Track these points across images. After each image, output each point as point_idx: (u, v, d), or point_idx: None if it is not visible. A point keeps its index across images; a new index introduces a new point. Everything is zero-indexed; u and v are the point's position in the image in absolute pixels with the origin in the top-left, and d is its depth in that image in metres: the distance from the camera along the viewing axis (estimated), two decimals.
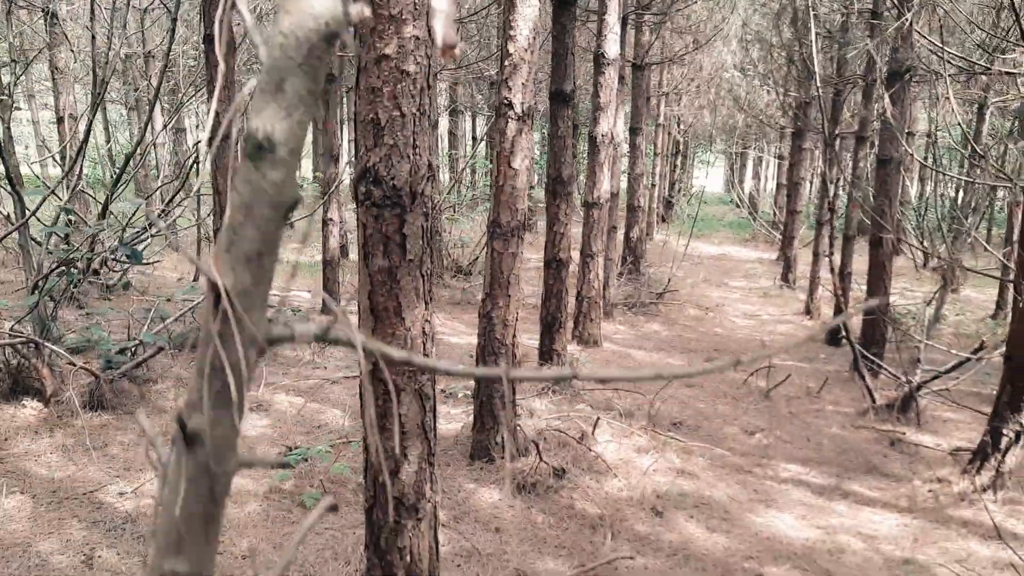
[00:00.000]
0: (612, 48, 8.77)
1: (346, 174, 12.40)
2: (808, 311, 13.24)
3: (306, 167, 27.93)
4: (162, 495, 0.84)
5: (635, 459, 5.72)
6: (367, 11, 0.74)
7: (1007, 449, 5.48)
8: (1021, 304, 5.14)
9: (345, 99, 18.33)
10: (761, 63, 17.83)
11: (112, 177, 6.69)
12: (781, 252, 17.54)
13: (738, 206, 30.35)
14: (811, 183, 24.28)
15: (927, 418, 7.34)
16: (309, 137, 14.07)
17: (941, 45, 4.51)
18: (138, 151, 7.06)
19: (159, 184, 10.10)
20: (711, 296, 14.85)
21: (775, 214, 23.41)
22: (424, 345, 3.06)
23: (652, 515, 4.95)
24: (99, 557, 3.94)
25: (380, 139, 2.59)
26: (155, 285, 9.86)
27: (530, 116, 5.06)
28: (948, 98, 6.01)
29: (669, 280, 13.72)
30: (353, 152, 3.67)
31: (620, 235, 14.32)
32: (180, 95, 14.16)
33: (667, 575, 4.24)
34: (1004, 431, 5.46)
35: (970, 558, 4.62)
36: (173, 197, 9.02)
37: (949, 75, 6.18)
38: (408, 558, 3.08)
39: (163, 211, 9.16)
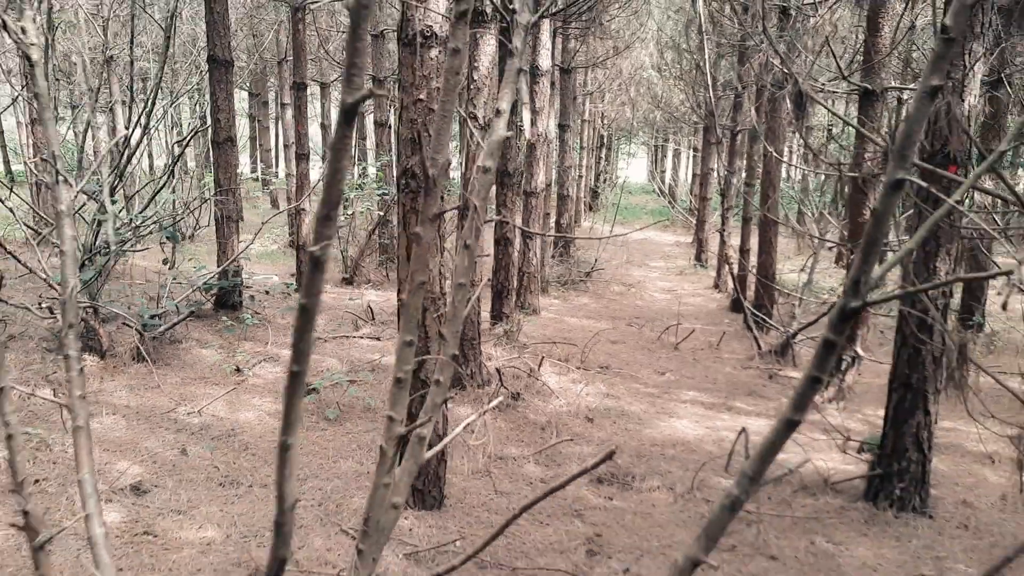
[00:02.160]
0: (545, 61, 10.44)
1: (316, 170, 13.75)
2: (717, 286, 15.22)
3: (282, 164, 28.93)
4: None
5: (572, 387, 7.44)
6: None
7: (846, 371, 7.38)
8: (849, 260, 6.99)
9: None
10: (674, 65, 19.79)
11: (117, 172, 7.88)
12: (695, 235, 19.55)
13: (660, 194, 32.57)
14: (719, 173, 26.49)
15: (800, 360, 9.26)
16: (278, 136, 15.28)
17: (787, 70, 6.26)
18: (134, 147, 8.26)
19: (167, 177, 11.24)
20: (633, 275, 16.68)
21: (691, 202, 25.54)
22: (441, 282, 4.64)
23: (585, 421, 6.67)
24: (190, 450, 5.43)
25: (417, 150, 4.17)
26: (138, 269, 11.10)
27: (490, 125, 6.67)
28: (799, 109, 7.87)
29: (596, 260, 15.52)
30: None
31: (552, 221, 16.08)
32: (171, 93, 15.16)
33: (596, 453, 5.95)
34: (843, 357, 7.35)
35: (816, 442, 6.46)
36: (159, 190, 10.29)
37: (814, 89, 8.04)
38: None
39: (150, 201, 10.38)
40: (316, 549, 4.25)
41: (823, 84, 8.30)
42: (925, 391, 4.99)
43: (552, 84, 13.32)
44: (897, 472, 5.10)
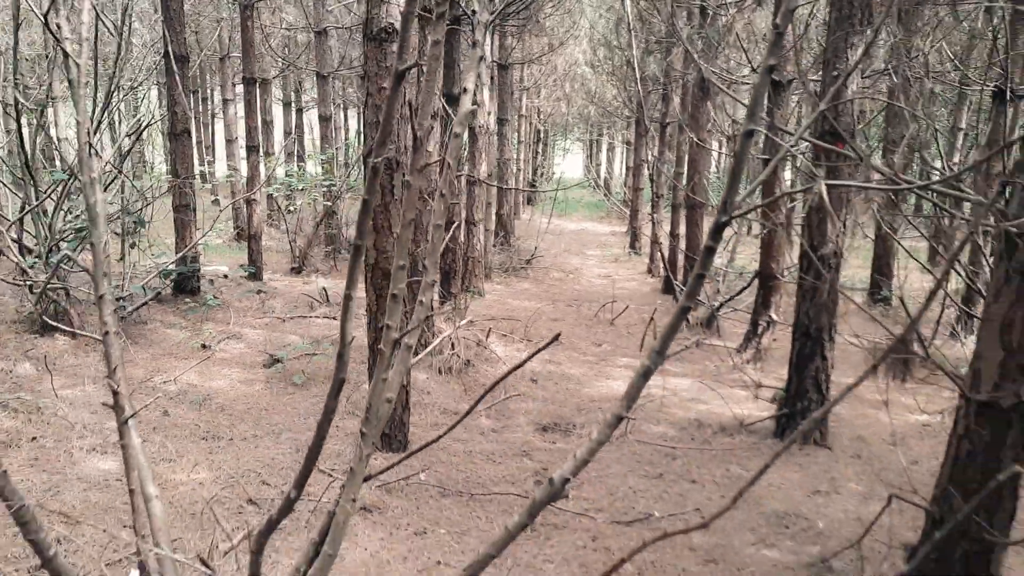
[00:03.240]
0: (485, 56, 11.07)
1: (280, 166, 14.10)
2: (650, 271, 16.09)
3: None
4: None
5: (517, 355, 8.11)
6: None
7: (761, 334, 8.21)
8: (762, 237, 7.83)
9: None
10: (607, 62, 20.66)
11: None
12: (629, 225, 20.43)
13: (596, 188, 33.56)
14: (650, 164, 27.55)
15: (725, 330, 10.11)
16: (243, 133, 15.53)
17: (697, 62, 7.02)
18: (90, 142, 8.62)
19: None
20: (571, 263, 17.45)
21: (625, 194, 26.48)
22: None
23: (530, 383, 7.35)
24: (171, 411, 5.93)
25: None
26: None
27: (437, 116, 7.29)
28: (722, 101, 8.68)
29: (536, 248, 16.24)
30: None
31: (493, 211, 16.73)
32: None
33: (540, 408, 6.64)
34: (759, 322, 8.19)
35: (736, 395, 7.24)
36: (112, 181, 10.61)
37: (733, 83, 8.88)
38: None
39: (105, 187, 10.68)
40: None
41: (735, 76, 9.12)
42: (822, 340, 5.80)
43: (491, 79, 13.98)
44: (800, 411, 5.91)
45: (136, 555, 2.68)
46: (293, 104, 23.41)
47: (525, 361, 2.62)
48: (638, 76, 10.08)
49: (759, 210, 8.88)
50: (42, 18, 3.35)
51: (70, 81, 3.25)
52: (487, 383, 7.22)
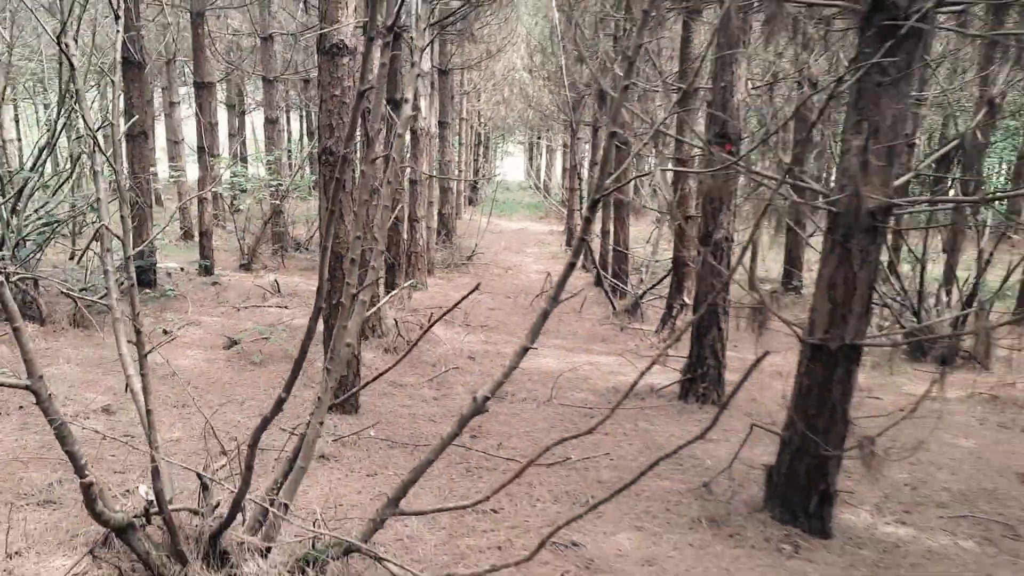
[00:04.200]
0: (425, 64, 11.85)
1: (222, 168, 14.59)
2: (584, 265, 17.02)
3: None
4: None
5: (457, 337, 8.91)
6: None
7: (676, 316, 9.16)
8: (668, 226, 8.78)
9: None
10: (543, 68, 21.57)
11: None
12: (566, 224, 21.38)
13: (536, 189, 34.56)
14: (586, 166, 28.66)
15: (649, 316, 11.06)
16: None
17: (602, 74, 7.90)
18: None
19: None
20: (511, 259, 18.29)
21: (562, 194, 27.47)
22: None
23: (468, 359, 8.16)
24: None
25: (333, 133, 5.51)
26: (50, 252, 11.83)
27: (383, 119, 8.04)
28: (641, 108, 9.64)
29: (476, 246, 17.04)
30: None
31: (435, 211, 17.49)
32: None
33: (477, 380, 7.45)
34: (674, 305, 9.13)
35: (653, 369, 8.14)
36: (65, 181, 11.09)
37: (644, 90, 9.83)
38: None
39: (56, 190, 11.14)
40: (263, 441, 5.52)
41: (646, 86, 10.04)
42: (717, 313, 6.74)
43: (431, 84, 14.76)
44: (700, 375, 6.83)
45: (152, 463, 3.38)
46: (236, 107, 23.79)
47: (454, 307, 3.43)
48: (566, 83, 10.97)
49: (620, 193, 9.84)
50: (53, 37, 4.01)
51: (76, 91, 3.98)
52: (430, 359, 8.02)
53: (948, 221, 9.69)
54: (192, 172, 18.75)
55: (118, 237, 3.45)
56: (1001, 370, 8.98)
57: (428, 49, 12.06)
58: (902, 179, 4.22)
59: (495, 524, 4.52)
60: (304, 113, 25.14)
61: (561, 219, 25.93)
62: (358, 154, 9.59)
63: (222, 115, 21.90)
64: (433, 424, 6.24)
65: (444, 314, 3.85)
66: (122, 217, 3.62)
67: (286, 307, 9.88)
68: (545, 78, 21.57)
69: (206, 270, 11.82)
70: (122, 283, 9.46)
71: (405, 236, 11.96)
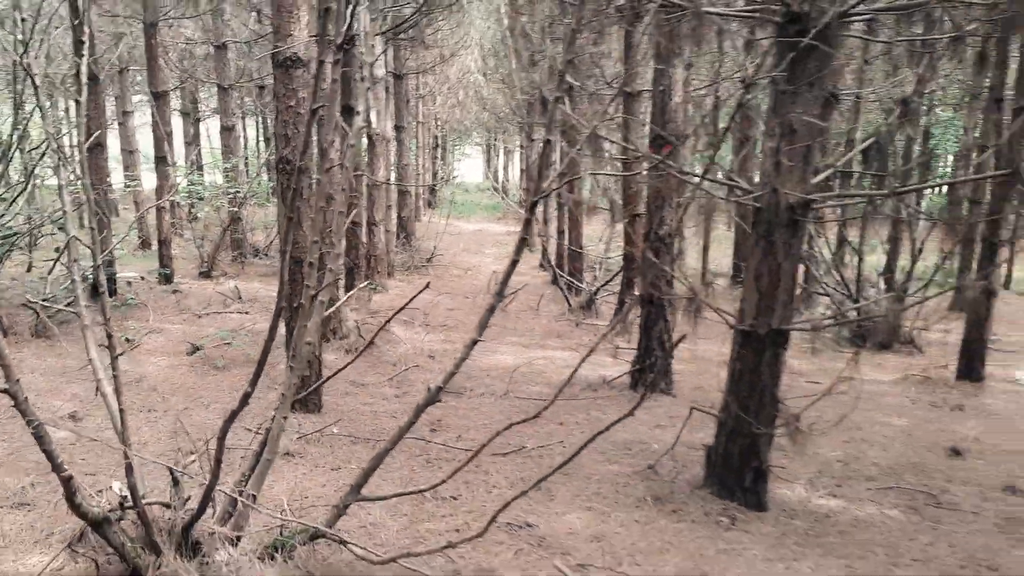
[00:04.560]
0: (379, 71, 12.06)
1: (180, 176, 14.63)
2: (542, 265, 17.35)
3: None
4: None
5: (416, 337, 9.16)
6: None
7: (627, 312, 9.50)
8: (622, 224, 9.12)
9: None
10: (497, 70, 21.87)
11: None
12: (524, 224, 21.63)
13: (494, 191, 34.87)
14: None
15: (603, 312, 11.40)
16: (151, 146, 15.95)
17: (544, 79, 8.25)
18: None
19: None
20: (469, 260, 18.56)
21: (520, 195, 27.80)
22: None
23: (428, 358, 8.41)
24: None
25: (288, 143, 5.73)
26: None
27: (337, 126, 8.25)
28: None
29: (435, 248, 17.27)
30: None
31: (394, 214, 17.68)
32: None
33: (436, 377, 7.69)
34: (626, 300, 9.47)
35: (602, 361, 8.47)
36: (20, 194, 11.12)
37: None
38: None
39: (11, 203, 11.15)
40: (229, 440, 5.72)
41: (593, 89, 10.36)
42: (663, 306, 7.08)
43: (387, 89, 14.95)
44: (648, 366, 7.17)
45: (126, 460, 3.59)
46: (192, 115, 23.71)
47: (405, 305, 3.70)
48: (518, 86, 11.27)
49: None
50: (18, 57, 4.19)
51: (40, 107, 4.18)
52: (390, 359, 8.26)
53: (886, 213, 10.17)
54: (148, 181, 18.69)
55: (89, 247, 3.65)
56: (934, 353, 9.48)
57: (383, 54, 12.27)
58: (820, 176, 4.58)
59: (453, 510, 4.79)
60: (260, 119, 25.12)
61: (519, 220, 26.23)
62: (314, 161, 9.85)
63: (177, 123, 21.85)
64: (394, 420, 6.49)
65: (396, 312, 4.11)
66: (91, 229, 3.82)
67: (247, 312, 10.04)
68: (499, 81, 21.88)
69: (166, 278, 11.90)
70: (86, 292, 9.57)
71: (364, 240, 12.16)
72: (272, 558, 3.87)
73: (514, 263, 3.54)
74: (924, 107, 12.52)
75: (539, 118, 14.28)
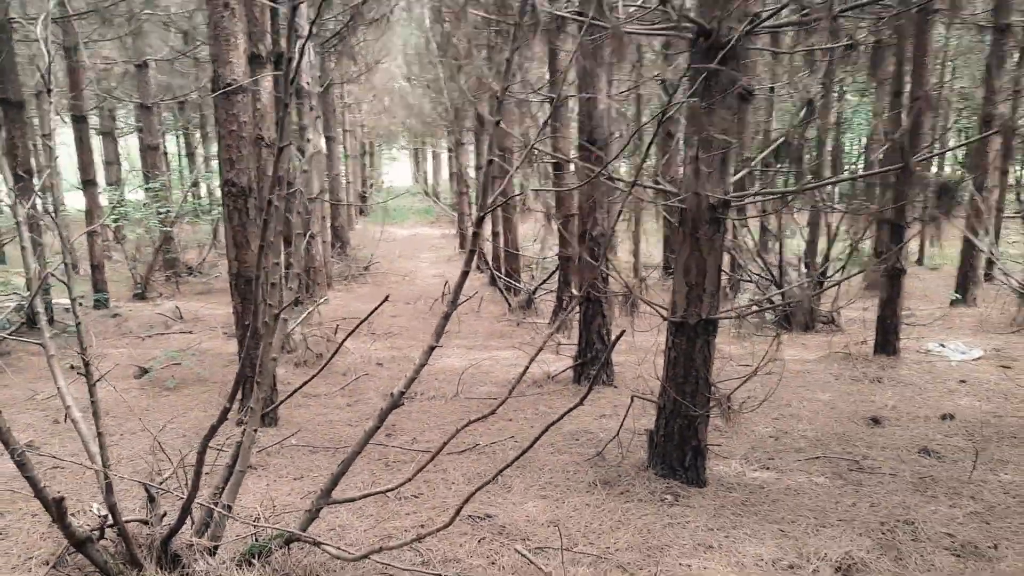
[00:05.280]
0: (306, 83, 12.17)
1: (108, 197, 14.45)
2: (479, 267, 17.65)
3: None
4: None
5: (364, 346, 9.36)
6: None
7: (566, 308, 9.88)
8: (558, 227, 9.49)
9: None
10: (422, 76, 22.07)
11: None
12: (457, 227, 21.96)
13: (425, 195, 34.99)
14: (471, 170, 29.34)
15: (542, 311, 11.76)
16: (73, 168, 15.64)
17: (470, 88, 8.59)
18: None
19: None
20: (406, 266, 18.75)
21: (452, 198, 28.05)
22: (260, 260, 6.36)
23: (377, 366, 8.64)
24: (59, 421, 6.76)
25: (233, 166, 5.90)
26: None
27: (274, 143, 8.40)
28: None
29: (372, 256, 17.42)
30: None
31: (328, 224, 17.75)
32: None
33: (386, 384, 7.94)
34: (564, 298, 9.85)
35: (545, 358, 8.82)
36: None
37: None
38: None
39: None
40: (188, 459, 5.88)
41: (520, 95, 10.71)
42: (601, 302, 7.46)
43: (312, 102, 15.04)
44: (590, 359, 7.54)
45: (106, 480, 3.76)
46: (113, 134, 23.26)
47: (364, 320, 3.96)
48: (446, 94, 11.55)
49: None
50: None
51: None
52: (340, 368, 8.45)
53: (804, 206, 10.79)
54: (72, 203, 18.31)
55: (65, 283, 3.81)
56: (854, 330, 10.12)
57: (310, 69, 12.38)
58: (736, 176, 4.99)
59: (416, 507, 5.06)
60: (182, 135, 24.79)
61: (452, 222, 26.50)
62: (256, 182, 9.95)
63: (96, 143, 21.42)
64: (350, 428, 6.71)
65: (357, 326, 4.36)
66: (65, 265, 3.96)
67: (191, 332, 10.08)
68: (425, 86, 22.11)
69: (103, 303, 11.81)
70: (22, 323, 9.49)
71: (303, 253, 12.27)
72: (250, 564, 4.08)
73: (465, 274, 3.83)
74: (835, 95, 13.20)
75: (470, 126, 14.60)
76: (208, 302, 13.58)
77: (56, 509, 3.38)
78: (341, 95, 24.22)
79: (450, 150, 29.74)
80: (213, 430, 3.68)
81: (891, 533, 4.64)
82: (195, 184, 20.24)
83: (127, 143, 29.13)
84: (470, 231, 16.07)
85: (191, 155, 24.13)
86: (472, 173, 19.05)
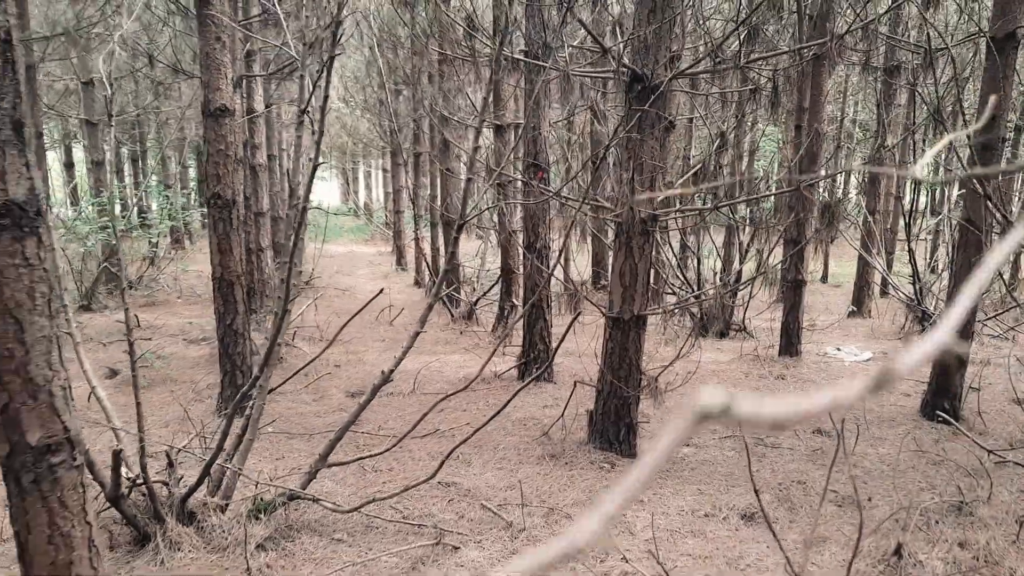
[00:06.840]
0: (259, 106, 12.81)
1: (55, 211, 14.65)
2: (418, 283, 18.40)
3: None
4: None
5: (318, 350, 10.02)
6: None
7: (507, 316, 10.76)
8: (500, 242, 10.38)
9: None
10: (359, 96, 22.80)
11: None
12: (394, 245, 22.65)
13: (356, 214, 35.51)
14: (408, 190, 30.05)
15: (483, 320, 12.61)
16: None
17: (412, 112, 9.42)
18: None
19: None
20: (346, 281, 19.32)
21: (386, 216, 28.71)
22: (242, 263, 7.05)
23: (334, 367, 9.34)
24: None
25: (220, 181, 6.60)
26: None
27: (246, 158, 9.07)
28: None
29: (312, 271, 17.98)
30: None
31: (270, 240, 18.27)
32: None
33: (347, 383, 8.66)
34: (505, 307, 10.73)
35: (495, 360, 9.65)
36: None
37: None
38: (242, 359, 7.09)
39: None
40: (182, 442, 6.51)
41: (462, 119, 11.66)
42: (543, 308, 8.36)
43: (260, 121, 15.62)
44: (532, 359, 8.43)
45: (140, 443, 4.44)
46: (59, 152, 23.21)
47: (364, 307, 4.76)
48: (392, 114, 12.37)
49: (495, 221, 11.47)
50: None
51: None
52: (302, 371, 9.12)
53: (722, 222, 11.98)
54: None
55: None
56: (764, 337, 11.29)
57: (260, 93, 13.03)
58: (663, 195, 5.96)
59: (391, 477, 5.84)
60: (129, 151, 24.82)
61: (387, 241, 27.14)
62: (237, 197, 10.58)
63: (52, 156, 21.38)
64: (319, 418, 7.43)
65: (357, 313, 5.11)
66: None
67: (150, 339, 10.57)
68: (362, 107, 22.83)
69: None
70: None
71: (253, 266, 12.83)
72: (257, 518, 4.81)
73: (436, 296, 4.66)
74: (747, 126, 14.51)
75: (410, 146, 15.45)
76: (156, 313, 13.99)
77: (114, 459, 4.05)
78: (279, 114, 24.71)
79: (385, 170, 30.42)
80: (237, 403, 4.40)
81: (787, 490, 5.65)
82: (139, 199, 20.46)
83: (72, 160, 28.87)
84: (407, 246, 16.69)
85: (142, 170, 24.21)
86: (407, 191, 19.82)
